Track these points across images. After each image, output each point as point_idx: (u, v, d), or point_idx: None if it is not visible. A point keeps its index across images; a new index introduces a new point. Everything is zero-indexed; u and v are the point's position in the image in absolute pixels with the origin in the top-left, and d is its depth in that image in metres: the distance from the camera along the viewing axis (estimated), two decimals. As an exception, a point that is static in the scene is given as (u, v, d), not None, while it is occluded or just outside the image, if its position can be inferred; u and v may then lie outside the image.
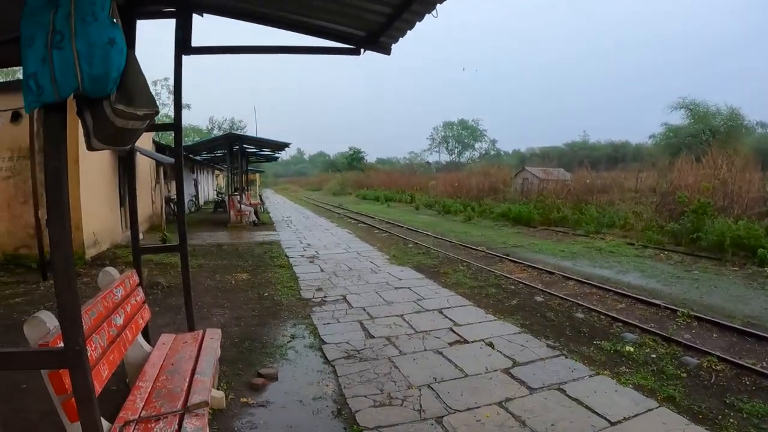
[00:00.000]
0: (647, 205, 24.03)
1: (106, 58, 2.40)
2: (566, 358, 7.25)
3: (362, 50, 6.43)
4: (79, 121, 2.72)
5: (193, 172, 39.89)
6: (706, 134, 49.00)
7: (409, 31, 5.81)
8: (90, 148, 2.85)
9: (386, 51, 6.32)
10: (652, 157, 47.10)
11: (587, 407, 5.73)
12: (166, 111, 51.50)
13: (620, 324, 9.01)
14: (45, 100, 2.45)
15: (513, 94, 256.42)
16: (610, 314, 9.46)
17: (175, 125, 5.73)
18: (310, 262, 15.19)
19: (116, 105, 2.56)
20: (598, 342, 8.01)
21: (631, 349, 7.64)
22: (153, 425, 3.71)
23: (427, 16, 5.20)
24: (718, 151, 24.73)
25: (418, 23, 5.49)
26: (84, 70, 2.38)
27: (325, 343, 7.82)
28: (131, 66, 2.59)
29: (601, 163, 63.00)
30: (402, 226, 25.97)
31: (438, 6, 4.90)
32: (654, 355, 7.49)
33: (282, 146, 30.76)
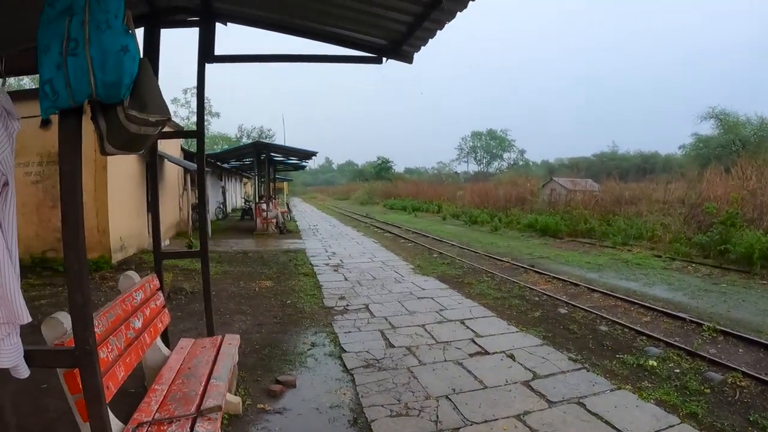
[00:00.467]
0: (675, 217, 23.66)
1: (119, 65, 2.45)
2: (588, 371, 7.17)
3: (384, 59, 6.45)
4: (93, 126, 2.78)
5: (221, 180, 40.15)
6: (736, 145, 48.46)
7: (431, 40, 5.83)
8: (103, 152, 2.89)
9: (408, 60, 6.34)
10: (681, 168, 46.68)
11: (607, 422, 5.66)
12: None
13: (644, 337, 8.89)
14: (60, 105, 2.50)
15: (543, 104, 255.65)
16: (634, 327, 9.36)
17: (198, 132, 5.79)
18: (335, 270, 15.22)
19: (129, 111, 2.60)
20: (621, 355, 7.90)
21: (655, 364, 7.53)
22: (166, 427, 3.74)
23: (447, 24, 5.22)
24: (747, 161, 24.43)
25: (439, 32, 5.51)
26: (97, 77, 2.43)
27: (345, 351, 7.83)
28: (144, 73, 2.64)
29: (630, 174, 62.48)
30: (428, 236, 25.92)
31: (458, 13, 4.91)
32: (678, 370, 7.37)
33: (309, 155, 30.90)
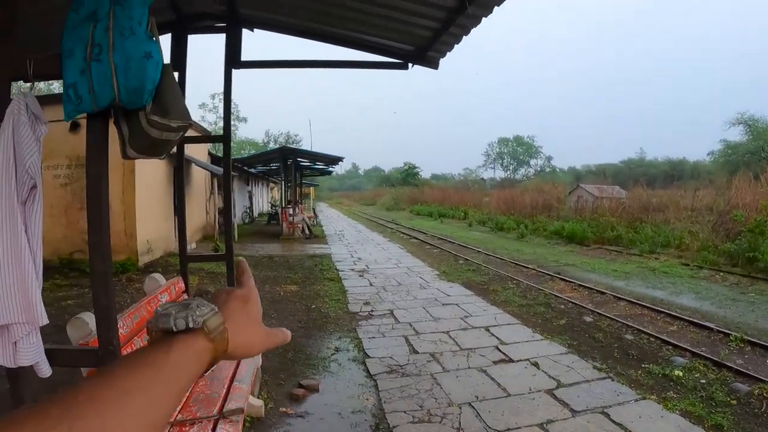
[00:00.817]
0: (703, 225, 23.43)
1: (142, 71, 2.47)
2: (612, 380, 7.12)
3: (410, 64, 6.45)
4: (115, 130, 2.81)
5: (248, 184, 40.34)
6: (765, 151, 48.02)
7: (456, 45, 5.83)
8: (125, 156, 2.92)
9: (434, 65, 6.34)
10: (709, 175, 46.30)
11: (631, 432, 5.64)
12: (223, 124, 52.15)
13: (670, 347, 8.80)
14: (83, 109, 2.54)
15: (571, 110, 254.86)
16: (660, 337, 9.27)
17: (224, 137, 5.83)
18: (360, 276, 15.25)
19: (151, 116, 2.63)
20: (646, 365, 7.84)
21: (680, 374, 7.46)
22: (188, 428, 3.77)
23: (473, 30, 5.22)
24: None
25: (465, 37, 5.50)
26: (120, 82, 2.45)
27: (369, 357, 7.86)
28: (167, 79, 2.66)
29: (658, 181, 62.19)
30: (454, 242, 25.86)
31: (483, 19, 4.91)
32: (704, 381, 7.29)
33: (336, 160, 30.98)
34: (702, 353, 8.38)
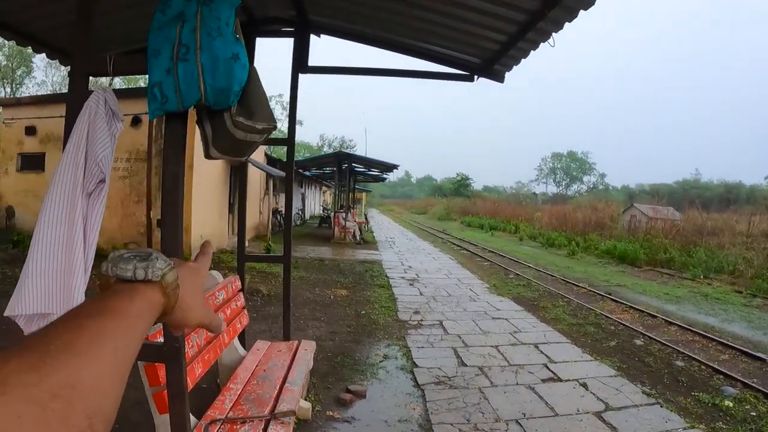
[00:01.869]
0: (759, 251, 22.99)
1: (229, 72, 2.51)
2: (661, 407, 7.00)
3: (476, 77, 6.45)
4: (198, 129, 2.86)
5: (301, 187, 40.67)
6: (826, 177, 46.97)
7: (523, 59, 5.81)
8: (208, 156, 2.97)
9: (500, 79, 6.32)
10: (766, 200, 45.39)
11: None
12: (280, 126, 52.79)
13: (721, 376, 8.60)
14: (168, 108, 2.59)
15: (626, 128, 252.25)
16: (711, 365, 9.06)
17: (289, 141, 5.88)
18: (410, 284, 15.24)
19: (237, 117, 2.67)
20: (696, 393, 7.68)
21: (731, 404, 7.29)
22: (239, 427, 3.81)
23: (542, 44, 5.20)
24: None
25: (532, 51, 5.49)
26: (207, 83, 2.50)
27: (417, 366, 7.84)
28: (252, 81, 2.70)
29: (713, 204, 61.10)
30: (504, 256, 25.63)
31: (554, 35, 4.89)
32: (754, 413, 7.12)
33: (390, 168, 31.07)
34: (754, 384, 8.17)
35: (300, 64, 5.80)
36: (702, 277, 20.99)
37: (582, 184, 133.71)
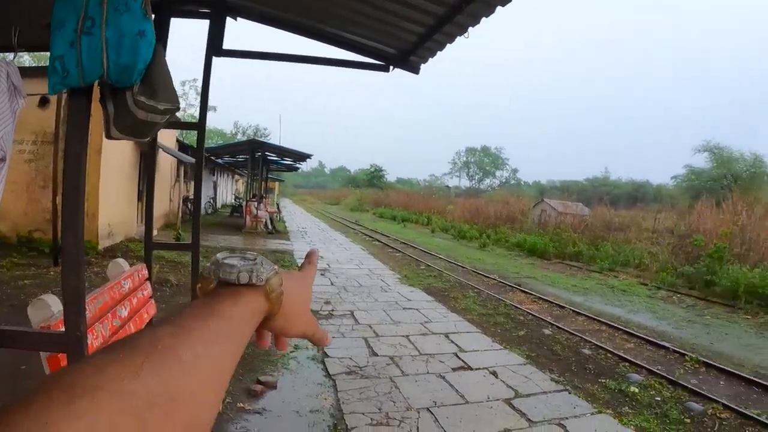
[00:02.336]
0: (663, 247, 23.91)
1: (134, 48, 2.41)
2: (569, 393, 7.21)
3: (391, 67, 6.43)
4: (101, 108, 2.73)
5: (213, 175, 40.09)
6: (727, 179, 48.85)
7: (439, 52, 5.82)
8: (108, 136, 2.85)
9: (415, 70, 6.32)
10: (672, 199, 47.29)
11: (587, 445, 5.70)
12: (193, 111, 51.94)
13: (627, 364, 8.95)
14: (69, 83, 2.46)
15: (540, 127, 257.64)
16: (617, 353, 9.41)
17: (199, 125, 5.74)
18: (321, 274, 15.14)
19: (138, 96, 2.56)
20: (603, 380, 7.96)
21: (636, 390, 7.59)
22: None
23: (458, 37, 5.22)
24: (738, 197, 24.74)
25: (449, 45, 5.50)
26: (111, 59, 2.38)
27: (329, 356, 7.82)
28: (158, 60, 2.59)
29: (621, 201, 63.12)
30: (416, 248, 25.86)
31: (470, 29, 4.91)
32: (659, 398, 7.44)
33: (304, 157, 30.87)
34: (658, 371, 8.55)
35: (214, 46, 5.65)
36: (609, 270, 21.72)
37: (495, 178, 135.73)
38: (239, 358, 0.73)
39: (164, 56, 2.71)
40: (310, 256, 1.10)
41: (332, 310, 10.68)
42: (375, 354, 8.16)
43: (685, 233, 23.07)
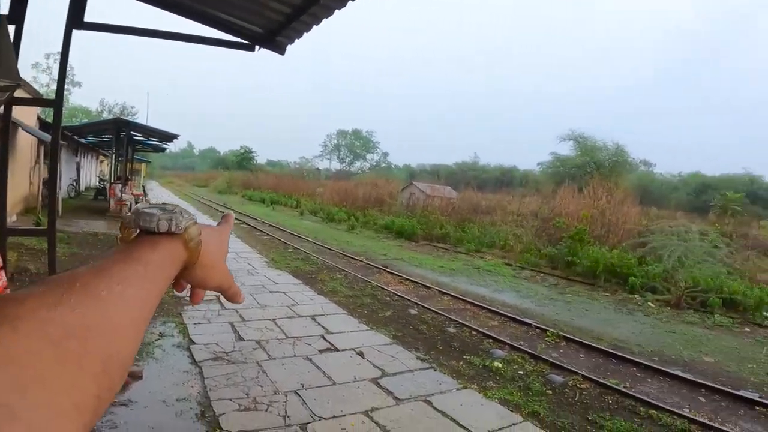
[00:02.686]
0: (528, 229, 24.96)
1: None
2: (435, 371, 7.42)
3: (257, 47, 6.36)
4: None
5: (77, 155, 38.49)
6: (591, 167, 50.84)
7: (306, 33, 5.78)
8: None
9: (281, 51, 6.26)
10: (537, 184, 48.68)
11: (452, 419, 5.91)
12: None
13: (491, 340, 9.32)
14: None
15: (411, 111, 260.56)
16: (481, 330, 9.77)
17: (56, 102, 5.52)
18: (187, 260, 14.81)
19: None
20: (467, 357, 8.24)
21: (500, 365, 7.93)
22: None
23: (324, 20, 5.21)
24: (599, 183, 25.90)
25: (315, 26, 5.48)
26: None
27: (194, 343, 7.70)
28: None
29: (489, 186, 64.49)
30: (284, 230, 25.79)
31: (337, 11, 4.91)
32: (521, 372, 7.80)
33: (171, 137, 30.06)
34: (520, 347, 8.96)
35: (75, 19, 5.41)
36: (475, 251, 22.37)
37: (365, 161, 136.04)
38: (158, 303, 0.73)
39: (7, 29, 2.57)
40: (226, 217, 1.08)
41: (198, 295, 10.45)
42: (241, 339, 8.10)
43: (548, 216, 24.09)
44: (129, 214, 0.83)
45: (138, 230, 0.81)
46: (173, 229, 0.80)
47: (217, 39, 6.42)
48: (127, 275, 0.67)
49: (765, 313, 13.86)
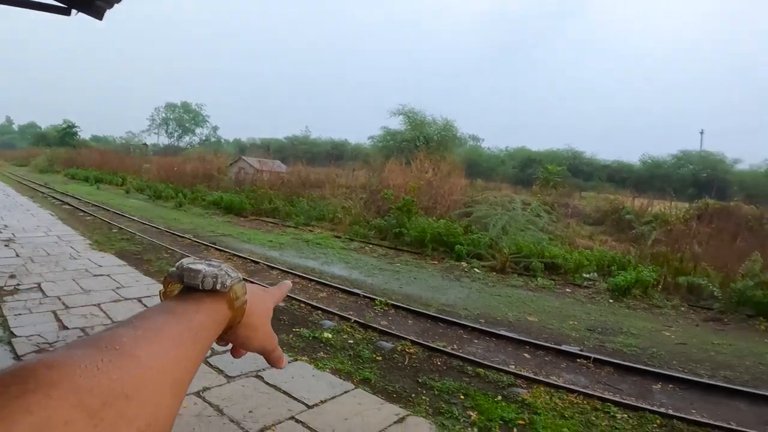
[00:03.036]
0: (356, 201, 25.51)
1: None
2: (266, 345, 7.62)
3: (73, 11, 6.20)
4: None
5: None
6: (420, 141, 52.11)
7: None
8: None
9: (99, 16, 6.13)
10: (368, 158, 49.46)
11: (285, 392, 6.15)
12: None
13: (320, 312, 9.74)
14: None
15: (239, 84, 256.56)
16: (310, 303, 10.16)
17: None
18: (5, 245, 14.22)
19: None
20: (297, 329, 8.58)
21: (330, 336, 8.35)
22: None
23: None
24: (426, 156, 26.91)
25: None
26: None
27: (15, 336, 7.48)
28: None
29: (320, 159, 64.63)
30: (109, 210, 25.00)
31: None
32: (351, 341, 8.27)
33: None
34: (350, 316, 9.44)
35: None
36: (304, 224, 22.76)
37: (195, 136, 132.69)
38: (200, 363, 0.75)
39: None
40: (282, 285, 1.12)
41: (18, 285, 10.09)
42: (65, 327, 7.95)
43: (376, 189, 24.66)
44: (173, 269, 0.84)
45: (182, 285, 0.83)
46: (218, 287, 0.81)
47: (29, 1, 6.21)
48: (169, 335, 0.69)
49: (585, 275, 15.14)
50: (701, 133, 66.37)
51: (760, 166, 57.68)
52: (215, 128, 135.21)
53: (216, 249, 15.46)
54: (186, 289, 0.82)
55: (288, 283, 1.16)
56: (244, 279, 0.87)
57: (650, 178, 57.99)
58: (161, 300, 0.84)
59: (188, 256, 0.94)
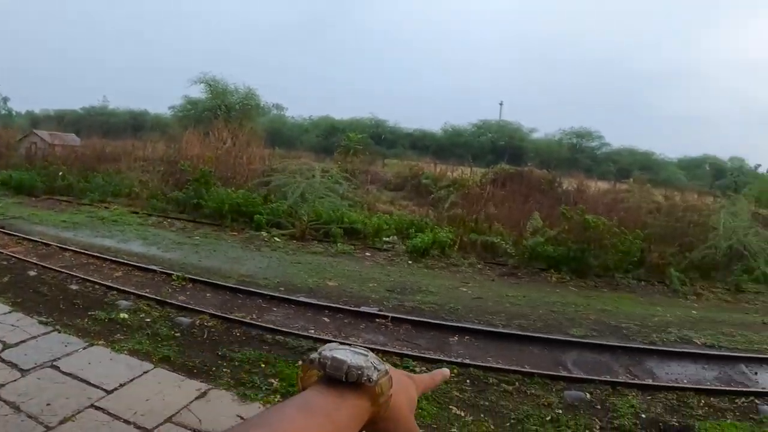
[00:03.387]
0: (154, 174, 24.80)
1: None
2: (59, 332, 7.29)
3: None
4: None
5: None
6: (222, 110, 51.36)
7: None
8: None
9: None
10: (169, 128, 48.30)
11: (82, 380, 5.90)
12: None
13: (115, 292, 9.36)
14: None
15: (34, 51, 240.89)
16: (105, 283, 9.77)
17: None
18: None
19: None
20: (92, 312, 8.20)
21: (126, 316, 8.07)
22: None
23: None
24: (224, 125, 26.48)
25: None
26: None
27: None
28: None
29: (118, 131, 62.25)
30: None
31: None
32: (149, 320, 8.05)
33: None
34: (146, 294, 9.20)
35: None
36: (100, 201, 21.80)
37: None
38: None
39: None
40: (434, 375, 1.05)
41: None
42: None
43: (174, 160, 24.08)
44: (315, 354, 0.80)
45: (322, 373, 0.78)
46: (363, 381, 0.76)
47: None
48: (311, 427, 0.68)
49: (384, 238, 15.56)
50: (501, 104, 69.53)
51: (554, 134, 62.63)
52: (5, 99, 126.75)
53: (4, 233, 14.32)
54: (327, 377, 0.78)
55: (446, 371, 1.08)
56: (386, 369, 0.81)
57: (451, 146, 60.28)
58: (298, 385, 0.82)
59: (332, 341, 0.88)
